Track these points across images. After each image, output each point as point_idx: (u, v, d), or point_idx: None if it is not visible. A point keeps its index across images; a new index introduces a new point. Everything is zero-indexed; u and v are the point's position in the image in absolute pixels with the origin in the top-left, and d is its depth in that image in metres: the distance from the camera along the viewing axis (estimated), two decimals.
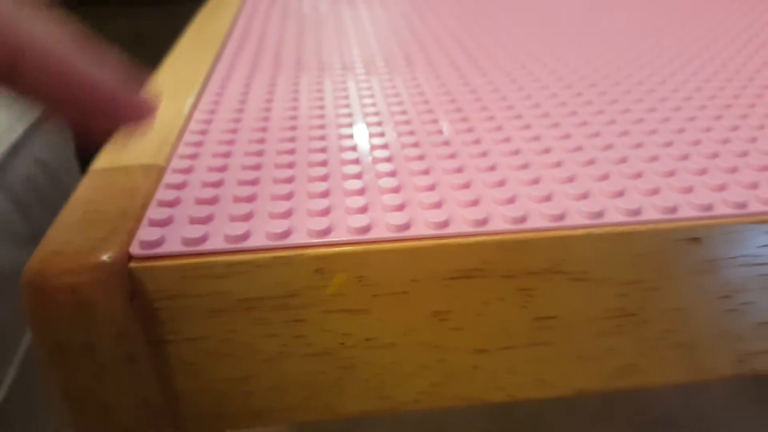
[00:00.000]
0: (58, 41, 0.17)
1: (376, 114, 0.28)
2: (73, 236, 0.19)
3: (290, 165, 0.24)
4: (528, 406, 0.85)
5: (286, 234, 0.19)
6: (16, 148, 0.62)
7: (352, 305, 0.20)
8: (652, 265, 0.20)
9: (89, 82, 0.17)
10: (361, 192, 0.22)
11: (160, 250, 0.18)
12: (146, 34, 0.94)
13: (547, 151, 0.24)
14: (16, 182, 0.65)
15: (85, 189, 0.22)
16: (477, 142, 0.25)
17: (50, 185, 0.74)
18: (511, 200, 0.20)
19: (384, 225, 0.20)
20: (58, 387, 0.19)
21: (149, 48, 0.48)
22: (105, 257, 0.18)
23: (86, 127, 0.18)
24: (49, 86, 0.17)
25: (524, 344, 0.21)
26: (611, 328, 0.21)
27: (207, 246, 0.19)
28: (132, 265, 0.18)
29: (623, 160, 0.23)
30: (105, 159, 0.24)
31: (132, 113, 0.18)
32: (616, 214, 0.20)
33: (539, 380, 0.22)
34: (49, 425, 0.68)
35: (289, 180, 0.22)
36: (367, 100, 0.30)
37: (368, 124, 0.27)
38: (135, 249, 0.18)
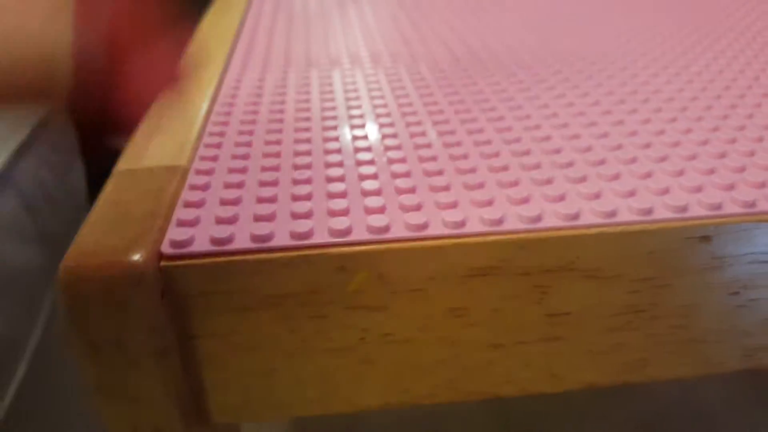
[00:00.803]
0: None
1: (388, 115, 0.29)
2: (105, 237, 0.19)
3: (308, 166, 0.24)
4: (526, 402, 0.86)
5: (308, 234, 0.20)
6: (23, 149, 0.63)
7: (371, 302, 0.21)
8: (663, 263, 0.21)
9: None
10: (378, 192, 0.22)
11: (189, 250, 0.19)
12: None
13: (557, 151, 0.25)
14: (23, 182, 0.65)
15: (112, 190, 0.22)
16: (488, 142, 0.26)
17: (57, 185, 0.74)
18: (525, 200, 0.21)
19: (402, 224, 0.20)
20: (90, 381, 0.20)
21: None
22: (137, 257, 0.18)
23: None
24: None
25: (538, 339, 0.22)
26: (622, 324, 0.22)
27: (234, 245, 0.19)
28: (163, 263, 0.19)
29: (633, 160, 0.24)
30: (128, 160, 0.25)
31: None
32: (628, 214, 0.20)
33: (551, 374, 0.23)
34: (60, 420, 0.69)
35: (308, 181, 0.23)
36: (378, 100, 0.30)
37: (380, 125, 0.28)
38: (166, 248, 0.19)
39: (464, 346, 0.22)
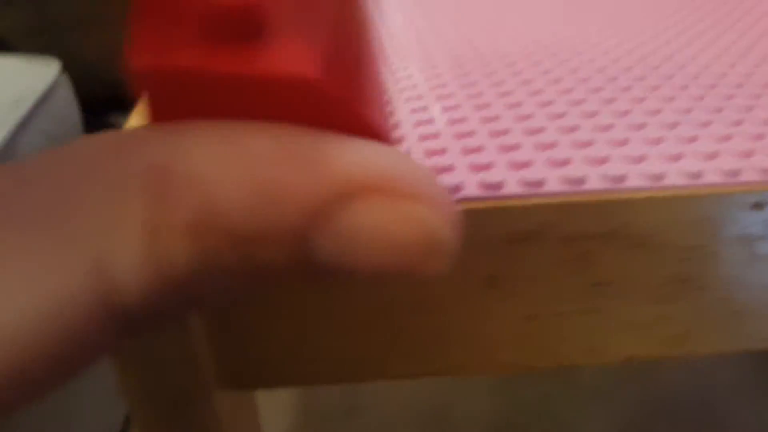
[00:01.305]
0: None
1: (409, 77, 0.27)
2: None
3: None
4: (535, 385, 0.86)
5: None
6: (25, 122, 0.62)
7: None
8: (712, 230, 0.20)
9: None
10: (407, 155, 0.21)
11: None
12: None
13: (594, 113, 0.23)
14: (25, 156, 0.64)
15: None
16: (518, 104, 0.24)
17: None
18: (565, 162, 0.20)
19: None
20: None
21: None
22: None
23: None
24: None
25: (576, 311, 0.21)
26: (667, 295, 0.21)
27: None
28: None
29: (675, 125, 0.23)
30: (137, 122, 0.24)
31: None
32: (676, 177, 0.19)
33: (589, 347, 0.22)
34: (79, 395, 0.69)
35: None
36: (402, 72, 0.29)
37: (401, 89, 0.26)
38: None
39: (499, 316, 0.21)
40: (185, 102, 0.10)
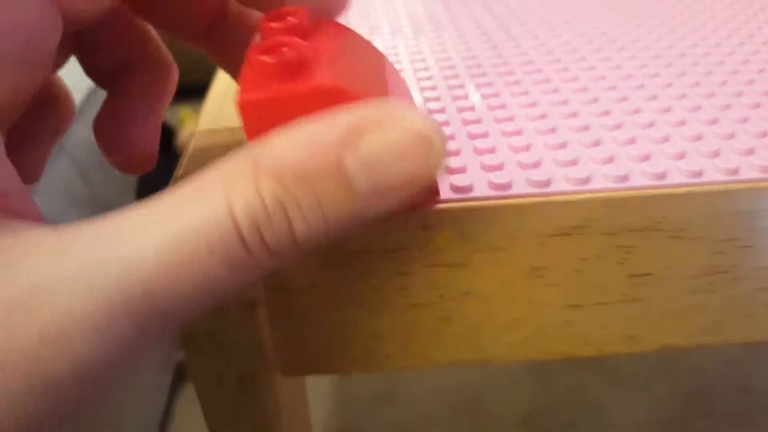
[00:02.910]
0: None
1: (456, 75, 0.29)
2: None
3: None
4: (569, 374, 0.87)
5: None
6: (77, 113, 0.64)
7: (452, 260, 0.21)
8: (748, 223, 0.21)
9: None
10: (457, 153, 0.22)
11: None
12: None
13: (637, 111, 0.24)
14: (77, 146, 0.66)
15: (197, 148, 0.23)
16: (564, 102, 0.25)
17: None
18: (610, 159, 0.21)
19: (486, 183, 0.20)
20: (181, 331, 0.21)
21: None
22: None
23: None
24: None
25: (617, 300, 0.22)
26: (702, 285, 0.22)
27: None
28: None
29: (714, 122, 0.24)
30: (207, 120, 0.25)
31: None
32: (715, 173, 0.20)
33: (628, 336, 0.23)
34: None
35: None
36: (445, 62, 0.30)
37: (449, 87, 0.28)
38: None
39: (543, 305, 0.22)
40: (271, 120, 0.15)
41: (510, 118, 0.24)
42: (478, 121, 0.24)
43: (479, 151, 0.22)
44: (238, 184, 0.14)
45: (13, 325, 0.12)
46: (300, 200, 0.14)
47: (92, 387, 0.13)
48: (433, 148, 0.15)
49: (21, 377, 0.12)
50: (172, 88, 0.23)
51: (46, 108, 0.21)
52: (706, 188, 0.20)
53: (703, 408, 0.82)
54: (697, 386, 0.85)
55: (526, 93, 0.26)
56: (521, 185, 0.20)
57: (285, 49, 0.16)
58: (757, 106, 0.25)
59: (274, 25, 0.18)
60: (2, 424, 0.12)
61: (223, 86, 0.29)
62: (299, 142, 0.14)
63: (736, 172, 0.20)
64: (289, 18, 0.18)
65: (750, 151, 0.21)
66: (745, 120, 0.24)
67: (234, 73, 0.23)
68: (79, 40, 0.21)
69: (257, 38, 0.19)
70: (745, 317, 0.23)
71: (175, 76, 0.23)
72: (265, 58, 0.16)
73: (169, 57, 0.23)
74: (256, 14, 0.22)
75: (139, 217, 0.14)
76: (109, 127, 0.22)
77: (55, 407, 0.13)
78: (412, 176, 0.15)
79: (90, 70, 0.22)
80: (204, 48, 0.23)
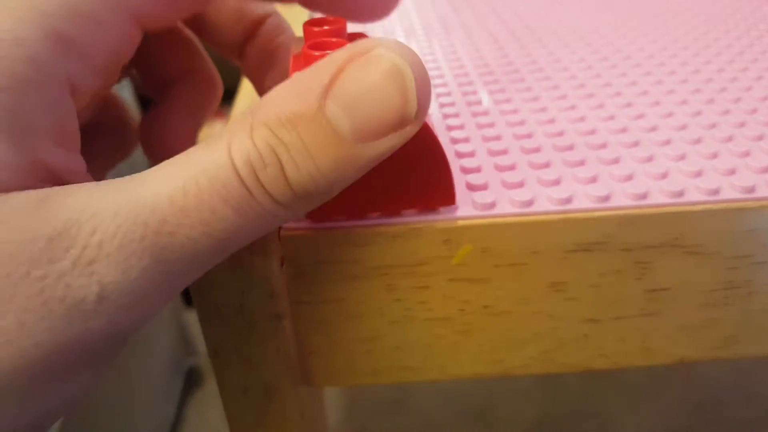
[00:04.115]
0: None
1: (471, 84, 0.29)
2: None
3: None
4: (579, 384, 0.87)
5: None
6: None
7: (473, 274, 0.21)
8: (761, 241, 0.21)
9: None
10: (478, 170, 0.23)
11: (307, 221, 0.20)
12: None
13: (654, 128, 0.25)
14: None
15: None
16: (582, 119, 0.26)
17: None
18: (629, 177, 0.21)
19: (508, 201, 0.21)
20: (209, 342, 0.21)
21: None
22: None
23: None
24: None
25: (634, 315, 0.22)
26: (717, 300, 0.22)
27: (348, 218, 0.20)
28: (284, 233, 0.20)
29: (730, 139, 0.24)
30: None
31: None
32: (731, 191, 0.21)
33: (644, 349, 0.23)
34: (129, 384, 0.72)
35: None
36: (464, 78, 0.31)
37: (468, 103, 0.28)
38: None
39: (561, 319, 0.22)
40: None
41: (529, 135, 0.25)
42: (497, 138, 0.25)
43: (500, 168, 0.23)
44: (238, 133, 0.15)
45: (52, 256, 0.14)
46: (288, 145, 0.15)
47: (115, 312, 0.15)
48: (407, 80, 0.15)
49: (57, 301, 0.14)
50: (216, 102, 0.25)
51: (111, 127, 0.23)
52: (723, 206, 0.20)
53: (712, 417, 0.82)
54: (706, 395, 0.86)
55: (544, 110, 0.27)
56: (543, 202, 0.21)
57: (330, 45, 0.17)
58: None
59: (317, 29, 0.19)
60: (44, 347, 0.14)
61: (246, 100, 0.30)
62: (288, 90, 0.16)
63: (752, 190, 0.21)
64: (328, 26, 0.19)
65: (765, 169, 0.22)
66: (760, 137, 0.24)
67: (260, 88, 0.25)
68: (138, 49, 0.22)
69: (298, 46, 0.20)
70: (759, 331, 0.23)
71: (219, 91, 0.25)
72: (314, 52, 0.17)
73: (216, 73, 0.25)
74: (283, 36, 0.23)
75: (159, 168, 0.15)
76: (151, 132, 0.24)
77: (83, 335, 0.15)
78: (391, 113, 0.15)
79: (143, 79, 0.24)
80: (237, 61, 0.24)
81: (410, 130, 0.16)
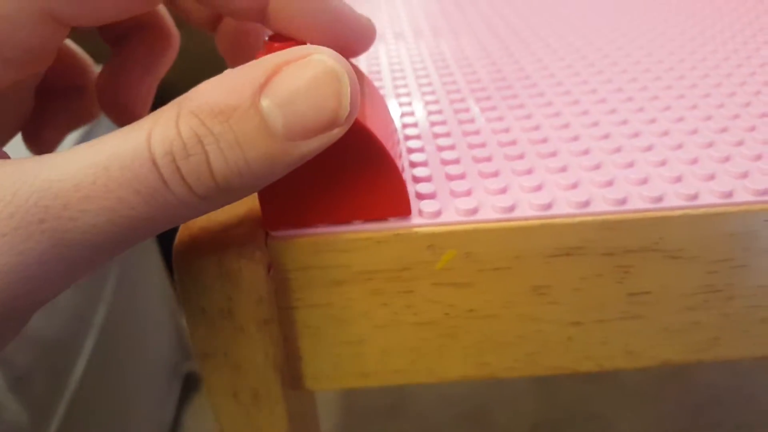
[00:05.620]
0: None
1: (459, 92, 0.30)
2: (216, 214, 0.21)
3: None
4: (575, 386, 0.87)
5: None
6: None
7: (458, 279, 0.22)
8: (741, 244, 0.22)
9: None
10: (462, 176, 0.23)
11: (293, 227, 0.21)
12: None
13: (636, 134, 0.25)
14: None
15: None
16: (566, 126, 0.26)
17: None
18: (609, 183, 0.22)
19: (490, 207, 0.21)
20: (197, 346, 0.22)
21: None
22: (247, 233, 0.20)
23: None
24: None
25: (617, 318, 0.23)
26: (698, 303, 0.23)
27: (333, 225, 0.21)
28: (271, 240, 0.20)
29: (710, 145, 0.24)
30: None
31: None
32: (710, 197, 0.21)
33: (628, 351, 0.24)
34: (126, 389, 0.72)
35: None
36: (452, 85, 0.31)
37: (455, 111, 0.28)
38: None
39: (545, 323, 0.23)
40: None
41: (513, 142, 0.25)
42: (482, 145, 0.25)
43: (484, 175, 0.23)
44: (161, 121, 0.15)
45: None
46: (218, 136, 0.15)
47: (10, 293, 0.15)
48: (343, 85, 0.16)
49: None
50: (172, 54, 0.24)
51: (67, 90, 0.23)
52: (702, 211, 0.21)
53: (710, 420, 0.83)
54: (705, 398, 0.86)
55: (529, 117, 0.27)
56: (524, 208, 0.21)
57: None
58: (753, 129, 0.26)
59: (278, 44, 0.19)
60: None
61: None
62: (221, 83, 0.15)
63: (730, 195, 0.21)
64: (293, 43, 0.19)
65: (744, 175, 0.22)
66: (740, 143, 0.25)
67: (231, 63, 0.25)
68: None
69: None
70: (740, 334, 0.24)
71: (175, 43, 0.24)
72: (275, 44, 0.18)
73: (171, 24, 0.24)
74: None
75: (73, 150, 0.15)
76: (107, 84, 0.23)
77: None
78: (324, 114, 0.16)
79: (100, 31, 0.24)
80: (209, 32, 0.25)
81: (338, 133, 0.16)
